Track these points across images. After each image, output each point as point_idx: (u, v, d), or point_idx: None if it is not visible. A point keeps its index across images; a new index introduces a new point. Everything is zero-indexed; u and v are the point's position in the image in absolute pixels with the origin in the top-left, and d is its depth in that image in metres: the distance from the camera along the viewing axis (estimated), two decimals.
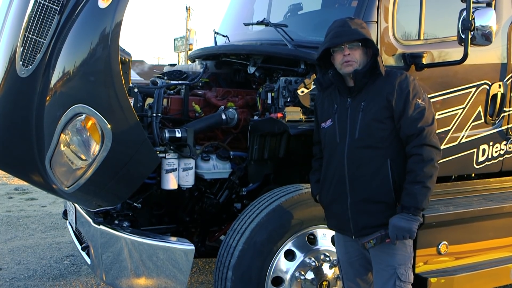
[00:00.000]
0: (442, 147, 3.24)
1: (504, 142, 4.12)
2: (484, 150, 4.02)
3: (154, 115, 3.55)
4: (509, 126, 4.10)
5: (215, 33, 4.85)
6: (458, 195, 3.94)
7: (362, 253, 2.99)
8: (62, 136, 3.09)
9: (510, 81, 4.04)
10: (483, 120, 3.96)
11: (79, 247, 4.00)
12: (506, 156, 4.15)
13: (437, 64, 3.68)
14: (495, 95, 3.98)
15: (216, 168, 3.74)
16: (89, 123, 3.03)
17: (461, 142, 3.89)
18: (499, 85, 3.99)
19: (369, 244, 2.82)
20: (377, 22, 3.55)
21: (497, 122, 4.04)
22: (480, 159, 4.02)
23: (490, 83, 3.95)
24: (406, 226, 2.68)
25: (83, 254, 3.85)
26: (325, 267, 3.48)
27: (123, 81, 3.02)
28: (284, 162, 3.88)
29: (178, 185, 3.55)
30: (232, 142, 3.98)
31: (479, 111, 3.93)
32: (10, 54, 3.24)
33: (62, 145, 3.11)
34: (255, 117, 3.79)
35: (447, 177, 4.09)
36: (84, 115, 3.02)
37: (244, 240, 3.30)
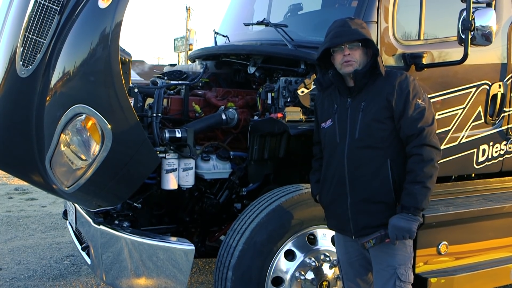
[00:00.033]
0: (442, 147, 3.24)
1: (504, 142, 4.12)
2: (484, 150, 4.02)
3: (154, 115, 3.55)
4: (509, 126, 4.10)
5: (215, 33, 4.85)
6: (458, 195, 3.94)
7: (362, 253, 2.99)
8: (62, 136, 3.09)
9: (510, 81, 4.04)
10: (483, 120, 3.97)
11: (79, 247, 4.00)
12: (506, 156, 4.15)
13: (437, 64, 3.68)
14: (495, 95, 3.98)
15: (216, 168, 3.74)
16: (89, 123, 3.03)
17: (461, 142, 3.89)
18: (499, 85, 3.99)
19: (369, 244, 2.82)
20: (377, 22, 3.55)
21: (497, 122, 4.04)
22: (480, 159, 4.02)
23: (490, 83, 3.95)
24: (405, 226, 2.68)
25: (83, 254, 3.85)
26: (325, 267, 3.48)
27: (123, 81, 3.02)
28: (284, 162, 3.88)
29: (178, 185, 3.55)
30: (232, 142, 3.98)
31: (479, 111, 3.93)
32: (10, 54, 3.24)
33: (62, 145, 3.12)
34: (255, 117, 3.79)
35: (447, 177, 4.09)
36: (84, 115, 3.03)
37: (244, 240, 3.30)
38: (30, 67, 3.17)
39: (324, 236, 3.51)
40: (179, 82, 4.16)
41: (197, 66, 4.72)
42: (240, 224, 3.40)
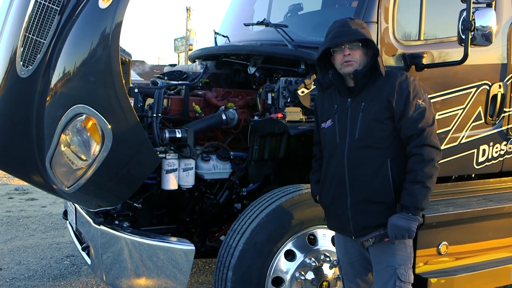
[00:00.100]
0: (442, 147, 3.24)
1: (504, 143, 4.12)
2: (484, 150, 4.02)
3: (155, 115, 3.55)
4: (509, 126, 4.10)
5: (215, 33, 4.86)
6: (458, 196, 3.94)
7: (362, 254, 2.99)
8: (63, 136, 3.09)
9: (510, 81, 4.04)
10: (483, 121, 3.97)
11: (79, 247, 4.00)
12: (506, 156, 4.15)
13: (437, 64, 3.69)
14: (495, 96, 3.98)
15: (216, 168, 3.74)
16: (90, 124, 3.03)
17: (461, 142, 3.89)
18: (499, 85, 3.99)
19: (368, 243, 2.82)
20: (377, 22, 3.55)
21: (497, 122, 4.04)
22: (480, 159, 4.02)
23: (490, 84, 3.95)
24: (405, 226, 2.68)
25: (83, 254, 3.85)
26: (325, 267, 3.48)
27: (124, 82, 3.02)
28: (284, 163, 3.88)
29: (178, 186, 3.55)
30: (232, 143, 3.98)
31: (479, 111, 3.93)
32: (11, 54, 3.24)
33: (62, 146, 3.12)
34: (255, 118, 3.79)
35: (447, 177, 4.09)
36: (84, 116, 3.03)
37: (244, 240, 3.30)
38: (30, 67, 3.17)
39: (324, 236, 3.50)
40: (179, 82, 4.16)
41: (197, 66, 4.72)
42: (240, 224, 3.40)
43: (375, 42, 3.25)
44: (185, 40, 26.43)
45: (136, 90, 3.61)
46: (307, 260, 3.44)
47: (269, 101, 3.78)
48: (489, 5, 3.33)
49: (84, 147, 3.09)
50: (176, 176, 3.51)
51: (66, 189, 3.21)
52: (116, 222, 3.52)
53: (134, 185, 3.30)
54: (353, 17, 3.06)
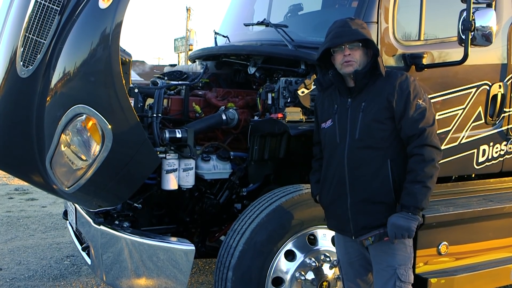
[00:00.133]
0: (442, 147, 3.24)
1: (504, 143, 4.12)
2: (484, 150, 4.02)
3: (155, 115, 3.55)
4: (509, 126, 4.10)
5: (216, 33, 4.86)
6: (458, 196, 3.94)
7: (362, 254, 2.99)
8: (63, 136, 3.09)
9: (510, 81, 4.04)
10: (483, 121, 3.97)
11: (79, 247, 4.00)
12: (506, 156, 4.15)
13: (437, 64, 3.69)
14: (495, 96, 3.98)
15: (216, 168, 3.74)
16: (90, 124, 3.04)
17: (461, 142, 3.89)
18: (499, 85, 3.99)
19: (368, 242, 2.82)
20: (377, 22, 3.55)
21: (497, 122, 4.04)
22: (480, 159, 4.02)
23: (490, 84, 3.95)
24: (405, 225, 2.68)
25: (84, 254, 3.85)
26: (325, 267, 3.48)
27: (124, 82, 3.02)
28: (284, 163, 3.88)
29: (179, 186, 3.55)
30: (233, 143, 3.98)
31: (479, 111, 3.93)
32: (11, 54, 3.24)
33: (62, 146, 3.12)
34: (256, 118, 3.79)
35: (448, 177, 4.09)
36: (84, 116, 3.03)
37: (244, 240, 3.30)
38: (31, 67, 3.17)
39: (324, 237, 3.50)
40: (179, 82, 4.16)
41: (197, 67, 4.72)
42: (240, 224, 3.40)
43: (375, 42, 3.26)
44: (185, 40, 26.44)
45: (136, 90, 3.61)
46: (307, 260, 3.44)
47: (269, 101, 3.78)
48: (489, 5, 3.33)
49: (84, 147, 3.09)
50: (176, 176, 3.51)
51: (66, 189, 3.22)
52: (116, 222, 3.52)
53: (134, 185, 3.30)
54: (353, 17, 3.06)
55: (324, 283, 3.47)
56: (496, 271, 3.73)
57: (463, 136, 3.90)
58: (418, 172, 2.68)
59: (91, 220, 3.53)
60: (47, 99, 3.14)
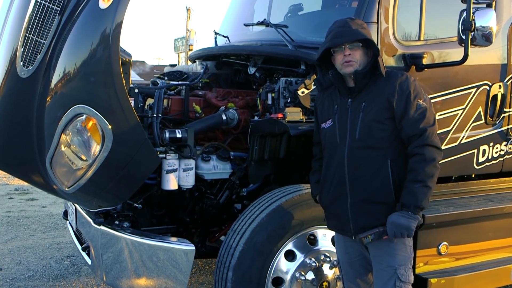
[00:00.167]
0: (442, 147, 3.24)
1: (504, 143, 4.12)
2: (484, 150, 4.02)
3: (155, 115, 3.55)
4: (509, 126, 4.10)
5: (216, 33, 4.86)
6: (458, 196, 3.94)
7: (362, 254, 2.99)
8: (63, 136, 3.09)
9: (510, 81, 4.04)
10: (483, 121, 3.97)
11: (79, 247, 4.00)
12: (507, 156, 4.15)
13: (438, 64, 3.69)
14: (495, 96, 3.98)
15: (216, 168, 3.74)
16: (90, 124, 3.04)
17: (461, 142, 3.89)
18: (499, 85, 3.99)
19: (367, 239, 2.82)
20: (377, 22, 3.55)
21: (497, 122, 4.04)
22: (481, 159, 4.02)
23: (490, 84, 3.95)
24: (405, 224, 2.68)
25: (84, 254, 3.85)
26: (326, 267, 3.48)
27: (124, 82, 3.02)
28: (284, 163, 3.88)
29: (179, 186, 3.55)
30: (233, 143, 3.98)
31: (479, 111, 3.93)
32: (11, 54, 3.24)
33: (62, 146, 3.12)
34: (256, 118, 3.79)
35: (448, 177, 4.09)
36: (84, 116, 3.03)
37: (244, 240, 3.30)
38: (31, 67, 3.17)
39: (324, 237, 3.50)
40: (180, 82, 4.16)
41: (197, 67, 4.72)
42: (241, 224, 3.40)
43: (375, 42, 3.26)
44: (185, 40, 26.43)
45: (136, 90, 3.61)
46: (307, 260, 3.44)
47: (269, 101, 3.78)
48: (489, 5, 3.33)
49: (84, 147, 3.09)
50: (176, 176, 3.51)
51: (66, 189, 3.22)
52: (116, 222, 3.52)
53: (134, 185, 3.30)
54: (354, 17, 3.06)
55: (324, 283, 3.47)
56: (496, 271, 3.73)
57: (463, 136, 3.90)
58: (418, 172, 2.68)
59: (91, 220, 3.53)
60: (47, 99, 3.14)
